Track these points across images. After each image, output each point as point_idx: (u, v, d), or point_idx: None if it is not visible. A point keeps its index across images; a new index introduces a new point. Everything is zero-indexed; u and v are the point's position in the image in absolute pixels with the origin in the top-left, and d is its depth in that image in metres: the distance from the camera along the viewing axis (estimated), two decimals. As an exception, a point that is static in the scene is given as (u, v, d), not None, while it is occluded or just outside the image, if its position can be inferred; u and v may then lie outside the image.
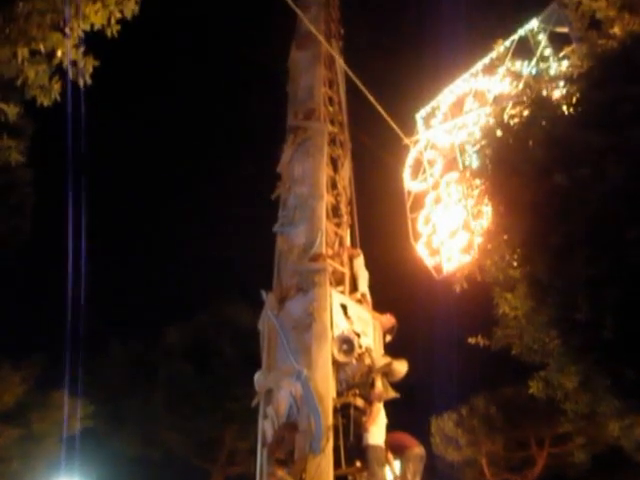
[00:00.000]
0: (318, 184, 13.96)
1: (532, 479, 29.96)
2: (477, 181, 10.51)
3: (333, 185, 14.76)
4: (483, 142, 10.62)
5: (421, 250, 15.62)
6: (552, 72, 11.49)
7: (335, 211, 14.48)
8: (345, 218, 14.57)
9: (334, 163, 15.10)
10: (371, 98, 14.92)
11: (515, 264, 10.51)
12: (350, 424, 11.41)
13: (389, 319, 13.54)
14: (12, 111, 8.02)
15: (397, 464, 11.56)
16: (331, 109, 16.11)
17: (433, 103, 18.37)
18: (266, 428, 12.02)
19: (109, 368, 29.52)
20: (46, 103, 7.91)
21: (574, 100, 9.19)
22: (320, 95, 15.71)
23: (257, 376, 12.75)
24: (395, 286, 21.79)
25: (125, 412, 28.67)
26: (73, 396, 26.13)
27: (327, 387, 11.49)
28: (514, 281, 11.05)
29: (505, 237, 10.01)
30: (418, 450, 11.71)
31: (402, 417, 13.22)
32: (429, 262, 15.32)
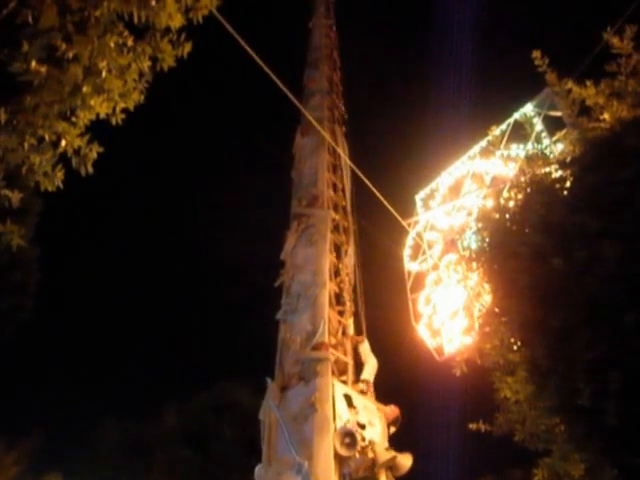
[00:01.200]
0: (321, 272, 14.00)
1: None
2: (475, 264, 10.51)
3: (336, 272, 14.84)
4: (480, 225, 10.70)
5: (422, 331, 15.53)
6: (547, 155, 11.69)
7: (338, 299, 14.51)
8: (348, 306, 14.55)
9: (337, 250, 15.23)
10: (371, 185, 15.10)
11: (515, 348, 10.40)
12: (353, 520, 11.02)
13: (393, 410, 13.33)
14: (16, 197, 8.11)
15: None
16: (334, 195, 16.36)
17: (432, 185, 18.63)
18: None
19: (105, 449, 28.85)
20: (50, 189, 8.04)
21: (568, 184, 9.33)
22: (324, 181, 15.97)
23: (257, 469, 12.44)
24: (397, 368, 21.53)
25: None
26: (68, 478, 25.45)
27: (329, 481, 11.16)
28: (514, 365, 10.90)
29: (504, 320, 9.94)
30: None
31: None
32: (430, 344, 15.18)
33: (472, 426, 11.98)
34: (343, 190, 16.65)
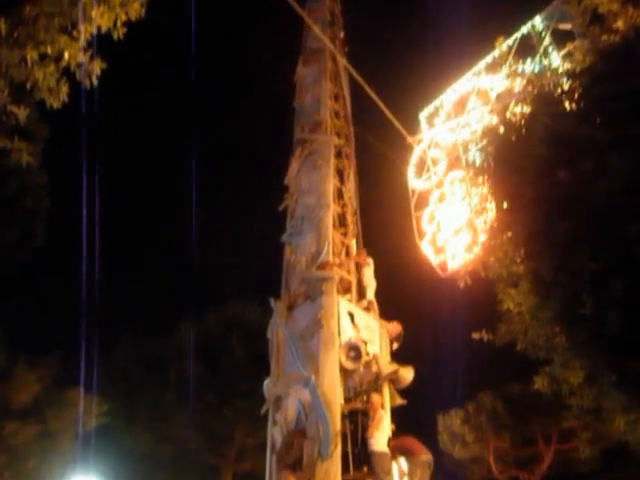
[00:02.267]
0: (325, 194, 13.94)
1: (540, 476, 29.62)
2: (480, 179, 10.30)
3: (339, 196, 14.79)
4: (485, 140, 10.42)
5: (426, 248, 15.38)
6: (555, 69, 11.22)
7: (342, 221, 14.50)
8: (351, 227, 14.57)
9: (340, 175, 15.12)
10: (375, 97, 14.71)
11: (518, 260, 10.32)
12: (358, 430, 11.26)
13: (395, 327, 13.41)
14: (22, 113, 8.00)
15: (404, 463, 11.44)
16: (337, 122, 16.12)
17: (436, 102, 18.08)
18: (275, 434, 11.96)
19: (122, 366, 29.50)
20: (55, 105, 7.91)
21: (576, 96, 9.00)
22: (326, 108, 15.74)
23: (266, 384, 12.68)
24: (401, 284, 21.60)
25: (138, 409, 28.65)
26: (88, 393, 26.08)
27: (335, 394, 11.43)
28: (517, 277, 10.86)
29: (509, 234, 9.82)
30: (426, 457, 11.64)
31: (409, 415, 12.99)
32: (434, 260, 15.06)
33: (475, 335, 12.04)
34: (345, 118, 16.42)
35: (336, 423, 11.04)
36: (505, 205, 9.46)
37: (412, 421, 12.83)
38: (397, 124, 15.72)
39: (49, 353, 28.06)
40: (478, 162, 11.28)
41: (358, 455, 11.15)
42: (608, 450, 27.90)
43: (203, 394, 27.28)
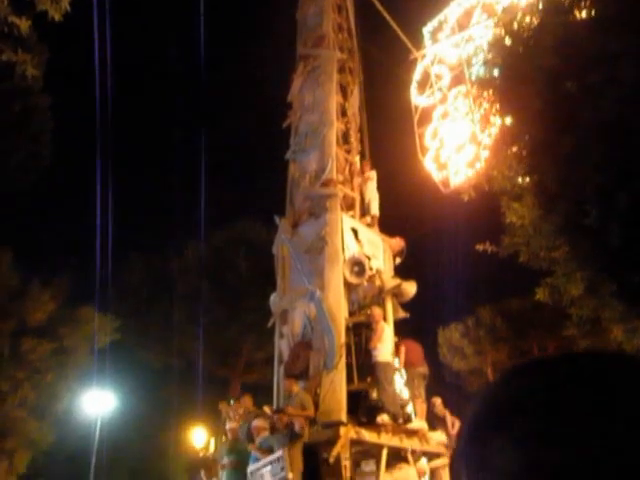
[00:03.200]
0: (328, 111, 13.65)
1: (535, 385, 30.26)
2: (485, 93, 9.97)
3: (343, 112, 14.47)
4: (492, 52, 10.03)
5: (429, 164, 15.09)
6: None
7: (345, 138, 14.24)
8: (355, 144, 14.30)
9: (344, 90, 14.73)
10: (378, 5, 14.13)
11: (523, 173, 10.13)
12: (362, 342, 11.38)
13: (398, 242, 13.38)
14: (24, 25, 7.71)
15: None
16: (340, 36, 15.56)
17: (440, 16, 17.25)
18: (282, 347, 12.13)
19: (133, 284, 29.77)
20: (57, 17, 7.60)
21: (588, 3, 8.54)
22: (329, 22, 15.16)
23: (272, 298, 12.77)
24: (404, 201, 21.43)
25: (149, 325, 29.12)
26: (101, 311, 26.47)
27: (339, 307, 11.53)
28: (521, 191, 10.69)
29: (514, 148, 9.60)
30: (422, 369, 12.01)
31: (411, 328, 13.17)
32: (437, 176, 14.80)
33: (479, 246, 11.94)
34: (349, 31, 15.79)
35: (341, 336, 11.21)
36: (510, 118, 9.19)
37: (413, 334, 12.98)
38: (401, 35, 15.16)
39: (61, 273, 28.41)
40: (483, 76, 10.93)
41: (362, 366, 11.32)
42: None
43: (211, 310, 27.68)
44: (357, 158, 14.20)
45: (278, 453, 9.27)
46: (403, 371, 11.69)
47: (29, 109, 21.35)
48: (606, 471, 0.56)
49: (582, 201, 7.85)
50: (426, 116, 15.19)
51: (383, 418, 10.64)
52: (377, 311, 11.70)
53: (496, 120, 10.04)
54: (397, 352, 11.73)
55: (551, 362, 0.69)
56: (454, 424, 11.92)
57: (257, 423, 10.34)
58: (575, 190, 7.97)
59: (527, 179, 9.98)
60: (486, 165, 11.75)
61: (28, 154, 21.91)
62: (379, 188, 13.69)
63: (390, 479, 10.49)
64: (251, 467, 9.77)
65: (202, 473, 11.69)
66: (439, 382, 23.16)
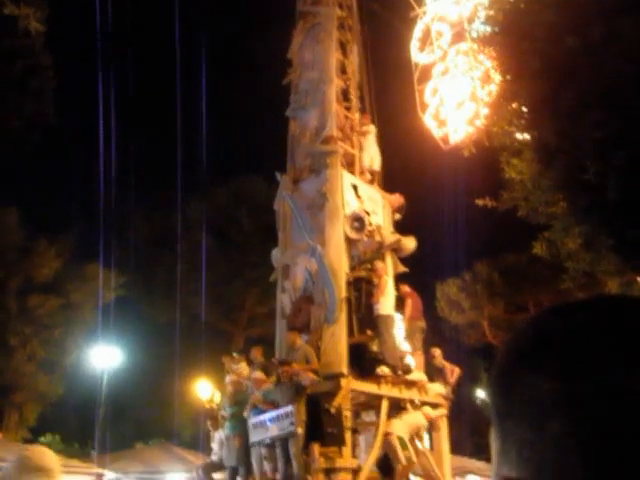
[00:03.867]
0: (328, 68, 13.44)
1: (530, 339, 30.57)
2: (486, 49, 9.82)
3: (343, 70, 14.22)
4: (493, 8, 9.84)
5: (428, 122, 14.88)
6: None
7: (345, 95, 14.02)
8: (355, 102, 14.09)
9: (343, 48, 14.44)
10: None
11: (523, 129, 10.03)
12: (362, 296, 11.43)
13: (398, 198, 13.34)
14: None
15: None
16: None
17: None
18: (284, 301, 12.19)
19: (137, 241, 29.81)
20: None
21: None
22: (328, -22, 14.67)
23: (274, 253, 12.80)
24: (404, 157, 21.28)
25: (154, 281, 29.30)
26: (106, 268, 26.58)
27: (340, 262, 11.56)
28: (521, 146, 10.60)
29: (514, 104, 9.48)
30: (420, 323, 12.18)
31: (410, 282, 13.19)
32: (436, 133, 14.61)
33: (479, 201, 11.92)
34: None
35: (341, 290, 11.27)
36: (511, 75, 9.06)
37: (412, 288, 13.02)
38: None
39: (67, 231, 28.47)
40: (483, 33, 10.74)
41: (362, 319, 11.41)
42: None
43: (214, 265, 27.79)
44: (357, 115, 14.04)
45: (287, 408, 9.38)
46: (401, 324, 11.81)
47: (31, 67, 21.08)
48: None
49: (581, 157, 7.80)
50: (426, 73, 14.90)
51: (383, 369, 10.77)
52: (380, 265, 11.76)
53: (496, 77, 9.90)
54: (402, 304, 11.86)
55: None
56: (453, 372, 12.09)
57: (257, 375, 10.45)
58: (574, 146, 7.91)
59: (527, 135, 9.89)
60: (486, 121, 11.62)
61: (32, 112, 21.70)
62: (379, 145, 13.58)
63: (400, 423, 10.67)
64: (254, 419, 9.86)
65: (208, 424, 11.87)
66: (437, 335, 23.40)
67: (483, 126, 11.70)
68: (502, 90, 9.65)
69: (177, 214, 28.49)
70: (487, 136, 11.23)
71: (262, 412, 9.84)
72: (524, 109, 9.08)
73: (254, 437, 9.72)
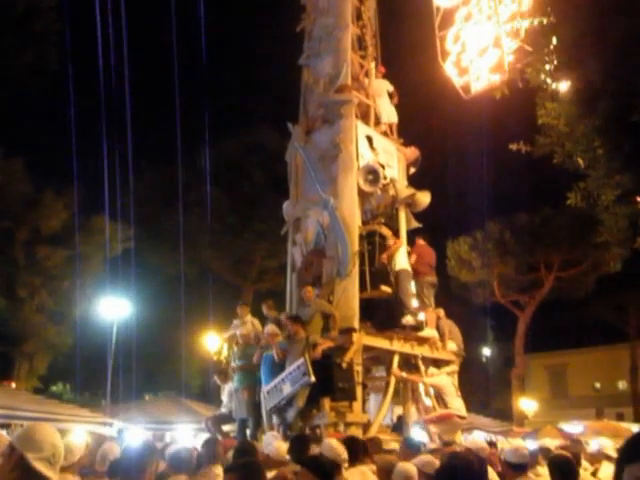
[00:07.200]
0: (343, 14, 12.91)
1: (539, 300, 30.59)
2: None
3: (358, 16, 13.63)
4: None
5: (449, 69, 14.26)
6: None
7: (360, 43, 13.49)
8: (370, 50, 13.56)
9: (359, -7, 13.75)
10: None
11: (564, 68, 9.35)
12: (375, 251, 11.18)
13: (413, 151, 12.99)
14: None
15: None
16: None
17: None
18: (295, 254, 11.97)
19: (144, 192, 29.44)
20: None
21: None
22: None
23: (285, 206, 12.51)
24: (421, 108, 20.68)
25: (162, 233, 29.07)
26: (113, 220, 26.41)
27: (353, 215, 11.30)
28: (557, 88, 9.95)
29: (553, 38, 8.85)
30: (431, 278, 12.05)
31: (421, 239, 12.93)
32: (457, 82, 14.02)
33: (512, 146, 11.41)
34: None
35: (354, 243, 11.02)
36: (550, 7, 8.46)
37: (426, 243, 12.74)
38: None
39: (74, 182, 28.17)
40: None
41: (375, 274, 11.19)
42: (602, 278, 28.63)
43: (224, 217, 27.53)
44: (372, 65, 13.54)
45: (299, 361, 9.19)
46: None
47: (32, 9, 20.51)
48: None
49: (629, 96, 7.24)
50: (448, 18, 14.22)
51: (407, 319, 10.75)
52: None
53: (522, 23, 9.33)
54: (410, 255, 11.69)
55: None
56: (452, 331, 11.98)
57: (270, 330, 10.26)
58: (622, 84, 7.34)
59: (567, 74, 9.17)
60: (520, 61, 10.86)
61: (35, 55, 21.18)
62: (396, 91, 13.14)
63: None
64: (265, 387, 9.65)
65: (215, 377, 11.78)
66: (446, 293, 23.21)
67: (508, 73, 11.05)
68: (539, 25, 8.99)
69: (187, 165, 28.15)
70: (521, 77, 10.56)
71: (273, 377, 9.60)
72: (566, 43, 8.39)
73: (270, 403, 9.53)
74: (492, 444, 7.66)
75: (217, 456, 5.07)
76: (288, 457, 5.79)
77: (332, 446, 5.11)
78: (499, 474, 5.67)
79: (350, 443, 5.60)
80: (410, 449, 6.37)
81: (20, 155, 25.28)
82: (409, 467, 4.75)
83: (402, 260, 11.19)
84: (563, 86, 9.53)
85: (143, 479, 3.75)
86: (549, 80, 9.71)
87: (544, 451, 7.22)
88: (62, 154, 34.18)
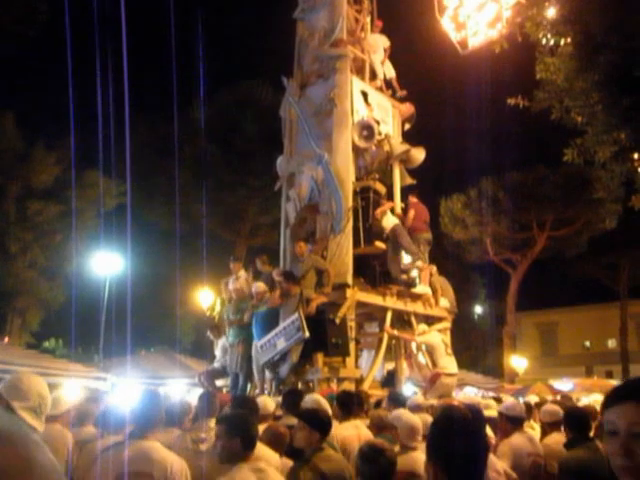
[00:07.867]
0: (339, -34, 12.51)
1: (532, 258, 30.79)
2: None
3: (354, -32, 13.24)
4: None
5: (446, 24, 13.91)
6: None
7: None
8: (366, 4, 13.28)
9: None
10: None
11: (564, 22, 9.14)
12: (369, 207, 11.15)
13: (408, 108, 12.86)
14: None
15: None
16: None
17: None
18: (289, 210, 11.91)
19: (138, 147, 29.05)
20: None
21: None
22: None
23: (279, 161, 12.39)
24: (417, 62, 20.35)
25: (155, 188, 28.79)
26: (107, 175, 26.16)
27: (347, 171, 11.23)
28: (556, 42, 9.76)
29: None
30: (427, 235, 12.06)
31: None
32: (454, 37, 13.72)
33: (511, 100, 11.27)
34: None
35: (348, 199, 10.99)
36: None
37: (418, 199, 12.71)
38: None
39: (68, 136, 27.77)
40: None
41: (369, 230, 11.19)
42: (594, 237, 28.85)
43: (217, 172, 27.30)
44: (368, 19, 13.28)
45: (293, 317, 9.20)
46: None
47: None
48: None
49: (631, 51, 7.10)
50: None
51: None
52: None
53: None
54: (405, 213, 11.66)
55: None
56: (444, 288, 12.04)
57: (259, 288, 10.23)
58: (624, 39, 7.19)
59: (567, 28, 8.97)
60: (519, 15, 10.63)
61: (25, 7, 20.63)
62: (392, 50, 12.93)
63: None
64: (259, 342, 9.67)
65: (208, 332, 11.81)
66: (440, 251, 23.28)
67: (516, 20, 10.74)
68: None
69: (179, 119, 27.76)
70: (520, 31, 10.35)
71: (265, 334, 9.61)
72: None
73: (264, 358, 9.56)
74: (498, 399, 7.72)
75: (214, 409, 5.09)
76: (274, 412, 5.85)
77: (317, 401, 5.14)
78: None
79: (345, 397, 5.65)
80: (394, 403, 6.43)
81: (11, 110, 24.94)
82: (413, 418, 4.77)
83: (391, 218, 11.22)
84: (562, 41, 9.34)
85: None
86: (548, 34, 9.51)
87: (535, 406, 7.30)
88: (54, 109, 33.74)
